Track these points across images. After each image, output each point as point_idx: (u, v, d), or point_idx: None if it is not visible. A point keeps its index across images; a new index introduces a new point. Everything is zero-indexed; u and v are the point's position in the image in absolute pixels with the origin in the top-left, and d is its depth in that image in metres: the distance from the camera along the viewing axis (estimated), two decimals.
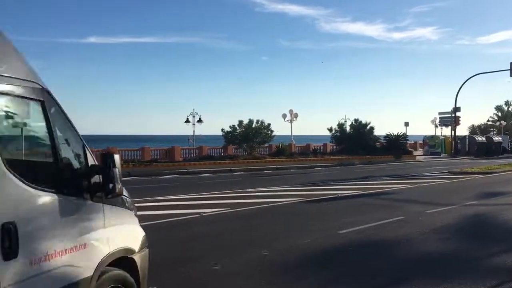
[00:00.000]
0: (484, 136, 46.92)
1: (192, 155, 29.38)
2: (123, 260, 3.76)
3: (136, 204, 4.57)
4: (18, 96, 2.89)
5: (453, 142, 43.45)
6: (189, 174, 23.57)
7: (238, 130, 30.95)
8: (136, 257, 3.99)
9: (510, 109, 74.60)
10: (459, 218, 9.83)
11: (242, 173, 23.81)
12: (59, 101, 3.29)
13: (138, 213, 4.57)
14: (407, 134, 40.31)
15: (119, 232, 3.74)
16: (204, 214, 10.45)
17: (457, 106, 42.73)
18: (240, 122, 31.28)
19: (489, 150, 42.37)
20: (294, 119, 36.97)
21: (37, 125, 3.17)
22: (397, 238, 7.91)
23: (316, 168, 26.05)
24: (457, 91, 42.28)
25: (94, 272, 3.28)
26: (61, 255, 2.98)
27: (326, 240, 7.72)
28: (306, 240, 7.69)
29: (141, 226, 4.39)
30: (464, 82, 41.70)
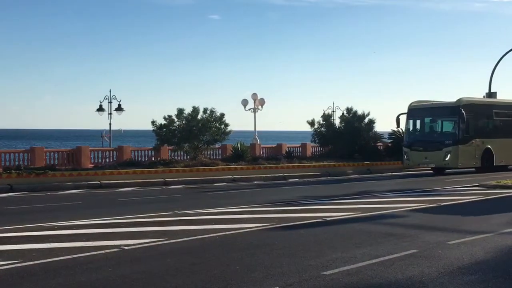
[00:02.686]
0: None
1: (108, 159, 29.05)
2: None
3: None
4: None
5: None
6: (103, 187, 23.24)
7: (177, 124, 29.91)
8: None
9: None
10: (495, 252, 9.99)
11: (182, 186, 23.65)
12: None
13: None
14: None
15: None
16: (126, 247, 10.32)
17: (492, 91, 43.52)
18: (180, 111, 29.99)
19: None
20: (260, 107, 36.87)
21: None
22: (407, 282, 7.95)
23: (291, 180, 26.13)
24: (491, 70, 43.14)
25: None
26: None
27: (303, 287, 7.68)
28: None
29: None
30: (502, 57, 42.45)
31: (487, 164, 30.94)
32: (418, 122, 32.41)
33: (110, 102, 34.32)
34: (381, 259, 9.27)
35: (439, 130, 32.08)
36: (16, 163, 25.50)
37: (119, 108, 34.12)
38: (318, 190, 22.00)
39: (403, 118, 32.74)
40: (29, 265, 8.93)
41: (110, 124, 34.35)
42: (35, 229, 12.50)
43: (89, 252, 9.90)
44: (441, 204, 16.93)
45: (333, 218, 14.01)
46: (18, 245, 10.57)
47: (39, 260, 9.23)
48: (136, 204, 17.79)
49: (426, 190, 21.50)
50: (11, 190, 21.87)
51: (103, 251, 9.95)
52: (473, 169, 31.12)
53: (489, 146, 31.08)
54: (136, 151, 30.64)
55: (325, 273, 8.35)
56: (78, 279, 8.13)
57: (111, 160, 28.83)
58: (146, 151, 30.95)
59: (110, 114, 34.26)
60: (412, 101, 33.17)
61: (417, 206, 16.44)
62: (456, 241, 10.91)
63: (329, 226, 13.01)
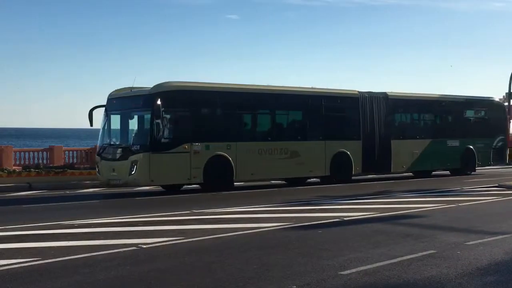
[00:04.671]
0: None
1: None
2: None
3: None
4: None
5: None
6: (121, 186, 23.30)
7: None
8: None
9: None
10: None
11: (195, 186, 23.64)
12: None
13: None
14: None
15: None
16: (144, 246, 10.36)
17: None
18: None
19: None
20: None
21: None
22: (425, 282, 7.91)
23: (308, 179, 26.05)
24: None
25: None
26: None
27: (320, 286, 7.68)
28: (291, 287, 7.62)
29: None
30: None
31: (213, 177, 20.72)
32: (114, 118, 21.75)
33: None
34: (399, 259, 9.23)
35: (133, 129, 21.77)
36: (35, 161, 25.64)
37: None
38: (335, 190, 21.93)
39: (100, 113, 22.36)
40: (48, 262, 9.00)
41: None
42: (53, 227, 12.61)
43: (107, 250, 9.95)
44: (460, 204, 16.81)
45: (350, 218, 13.98)
46: (37, 243, 10.66)
47: (58, 258, 9.30)
48: (153, 203, 17.88)
49: (444, 190, 21.36)
50: (30, 188, 22.08)
51: (121, 250, 10.00)
52: (197, 185, 21.42)
53: (221, 153, 21.07)
54: None
55: (342, 273, 8.33)
56: (96, 277, 8.18)
57: None
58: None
59: None
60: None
61: (435, 206, 16.35)
62: (475, 241, 10.84)
63: (346, 226, 12.99)
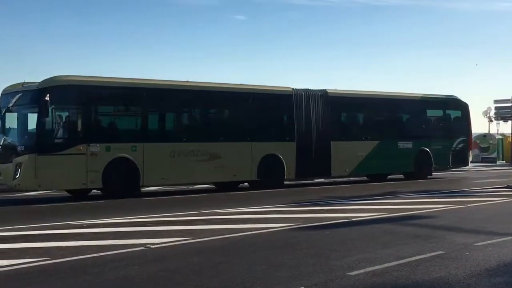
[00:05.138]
0: None
1: None
2: None
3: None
4: None
5: None
6: None
7: None
8: None
9: None
10: None
11: (208, 186, 23.66)
12: None
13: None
14: None
15: None
16: (152, 246, 10.39)
17: None
18: None
19: None
20: None
21: None
22: (433, 283, 7.89)
23: (315, 179, 26.06)
24: None
25: None
26: None
27: (328, 287, 7.67)
28: (299, 287, 7.64)
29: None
30: None
31: (115, 182, 18.75)
32: (7, 116, 19.05)
33: None
34: (407, 260, 9.21)
35: (21, 128, 19.28)
36: None
37: None
38: (343, 191, 21.93)
39: None
40: (56, 262, 9.03)
41: None
42: (61, 227, 12.65)
43: (115, 250, 9.98)
44: (468, 205, 16.76)
45: (358, 219, 13.97)
46: (45, 243, 10.70)
47: (66, 257, 9.34)
48: (161, 203, 17.91)
49: (453, 191, 21.32)
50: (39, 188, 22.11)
51: (129, 250, 10.03)
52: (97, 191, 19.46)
53: (125, 155, 18.98)
54: None
55: (350, 273, 8.32)
56: (105, 277, 8.21)
57: None
58: None
59: None
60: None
61: (443, 207, 16.31)
62: (484, 242, 10.80)
63: (354, 226, 12.98)
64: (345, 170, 25.09)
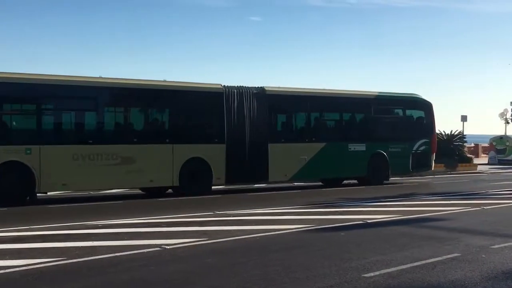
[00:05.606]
0: None
1: None
2: None
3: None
4: None
5: None
6: None
7: None
8: None
9: None
10: None
11: (222, 187, 23.70)
12: None
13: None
14: (465, 133, 40.50)
15: None
16: (167, 247, 10.42)
17: None
18: None
19: None
20: None
21: None
22: (449, 286, 7.87)
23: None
24: None
25: None
26: None
27: None
28: None
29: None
30: None
31: (5, 188, 16.80)
32: None
33: None
34: (423, 262, 9.19)
35: None
36: None
37: None
38: (358, 192, 21.87)
39: None
40: (73, 262, 9.09)
41: None
42: (78, 227, 12.73)
43: (131, 250, 10.03)
44: (484, 207, 16.67)
45: (374, 220, 13.94)
46: (61, 243, 10.77)
47: (82, 258, 9.40)
48: (176, 204, 17.94)
49: (469, 193, 21.20)
50: None
51: (144, 250, 10.07)
52: None
53: (17, 159, 17.08)
54: None
55: (366, 275, 8.31)
56: (121, 277, 8.25)
57: None
58: None
59: None
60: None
61: (459, 209, 16.23)
62: (500, 245, 10.75)
63: (370, 228, 12.95)
64: (285, 175, 22.77)
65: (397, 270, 8.64)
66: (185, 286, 7.85)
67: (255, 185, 23.78)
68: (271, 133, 22.28)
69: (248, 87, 22.03)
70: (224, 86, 21.42)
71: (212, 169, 20.52)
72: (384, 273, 8.44)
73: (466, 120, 42.04)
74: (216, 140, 20.89)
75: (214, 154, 20.60)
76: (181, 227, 12.73)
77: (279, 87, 23.40)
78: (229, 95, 21.24)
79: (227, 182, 21.47)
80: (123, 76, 24.92)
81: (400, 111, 26.70)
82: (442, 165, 34.26)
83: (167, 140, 19.90)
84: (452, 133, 38.82)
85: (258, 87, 22.35)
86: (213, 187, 21.25)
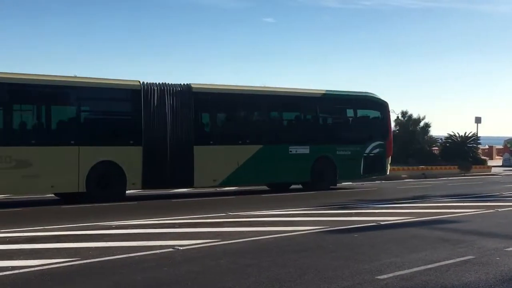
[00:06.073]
0: None
1: None
2: None
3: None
4: None
5: None
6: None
7: None
8: None
9: None
10: None
11: (235, 188, 23.72)
12: None
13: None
14: (479, 135, 40.36)
15: None
16: (180, 248, 10.44)
17: None
18: None
19: None
20: None
21: None
22: None
23: (344, 183, 25.95)
24: None
25: None
26: None
27: None
28: None
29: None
30: None
31: None
32: None
33: None
34: (436, 264, 9.16)
35: None
36: None
37: None
38: (371, 194, 21.82)
39: None
40: (86, 263, 9.14)
41: None
42: (91, 228, 12.79)
43: (144, 251, 10.06)
44: (499, 210, 16.59)
45: (387, 222, 13.90)
46: (75, 243, 10.83)
47: (96, 258, 9.44)
48: (189, 205, 17.99)
49: (483, 195, 21.11)
50: None
51: (157, 251, 10.10)
52: None
53: None
54: None
55: (379, 277, 8.29)
56: (134, 278, 8.27)
57: None
58: None
59: None
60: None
61: (473, 211, 16.16)
62: None
63: (383, 230, 12.91)
64: (213, 180, 20.75)
65: (410, 272, 8.62)
66: (198, 287, 7.86)
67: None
68: (198, 134, 20.37)
69: (172, 84, 20.15)
70: (143, 82, 19.56)
71: (126, 174, 18.78)
72: (397, 275, 8.42)
73: (480, 122, 41.95)
74: (132, 142, 19.05)
75: (129, 157, 18.88)
76: (194, 228, 12.76)
77: (208, 84, 21.44)
78: (148, 93, 19.37)
79: (144, 187, 19.67)
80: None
81: (351, 111, 24.57)
82: (456, 166, 34.19)
83: (72, 142, 18.11)
84: (466, 135, 38.72)
85: (184, 84, 20.44)
86: (221, 189, 21.19)
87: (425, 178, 31.57)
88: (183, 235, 11.77)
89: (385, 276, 8.34)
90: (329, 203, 18.13)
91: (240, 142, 21.31)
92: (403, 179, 30.45)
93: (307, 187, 22.86)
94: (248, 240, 11.34)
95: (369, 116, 25.03)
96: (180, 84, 20.32)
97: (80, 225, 13.19)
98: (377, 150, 24.33)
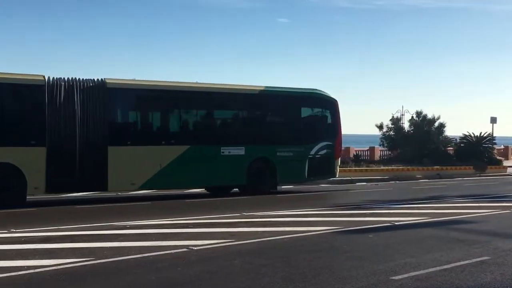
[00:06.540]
0: None
1: None
2: None
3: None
4: None
5: None
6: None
7: None
8: None
9: None
10: None
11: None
12: None
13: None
14: (494, 135, 40.12)
15: None
16: (194, 248, 10.45)
17: None
18: None
19: None
20: None
21: None
22: None
23: (358, 183, 25.91)
24: None
25: None
26: None
27: None
28: None
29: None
30: None
31: None
32: None
33: None
34: (452, 265, 9.12)
35: None
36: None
37: None
38: (386, 194, 21.76)
39: None
40: (101, 262, 9.17)
41: None
42: (106, 228, 12.83)
43: (158, 251, 10.08)
44: None
45: (402, 223, 13.83)
46: (89, 243, 10.87)
47: (110, 258, 9.47)
48: (203, 205, 18.03)
49: (498, 196, 20.99)
50: None
51: (172, 251, 10.12)
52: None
53: None
54: None
55: (394, 278, 8.26)
56: (148, 278, 8.29)
57: None
58: None
59: None
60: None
61: (489, 212, 16.08)
62: None
63: (397, 230, 12.86)
64: (132, 184, 19.20)
65: (426, 273, 8.58)
66: (212, 286, 7.87)
67: (282, 187, 23.55)
68: (113, 134, 18.56)
69: (84, 79, 18.41)
70: (48, 77, 17.79)
71: (26, 177, 17.05)
72: (412, 276, 8.38)
73: (495, 122, 41.69)
74: (33, 142, 17.27)
75: (30, 159, 17.14)
76: (208, 228, 12.77)
77: (125, 80, 19.68)
78: (54, 89, 17.61)
79: (48, 191, 17.93)
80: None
81: (294, 110, 22.47)
82: (471, 167, 34.02)
83: None
84: (481, 135, 38.51)
85: (97, 79, 18.74)
86: (234, 190, 21.20)
87: (440, 178, 31.40)
88: (197, 235, 11.78)
89: (400, 277, 8.31)
90: (343, 203, 18.11)
91: (163, 142, 19.73)
92: (417, 180, 30.33)
93: (243, 191, 21.39)
94: (262, 240, 11.34)
95: (315, 115, 23.45)
96: (93, 79, 18.65)
97: (94, 225, 13.24)
98: (325, 151, 22.64)
